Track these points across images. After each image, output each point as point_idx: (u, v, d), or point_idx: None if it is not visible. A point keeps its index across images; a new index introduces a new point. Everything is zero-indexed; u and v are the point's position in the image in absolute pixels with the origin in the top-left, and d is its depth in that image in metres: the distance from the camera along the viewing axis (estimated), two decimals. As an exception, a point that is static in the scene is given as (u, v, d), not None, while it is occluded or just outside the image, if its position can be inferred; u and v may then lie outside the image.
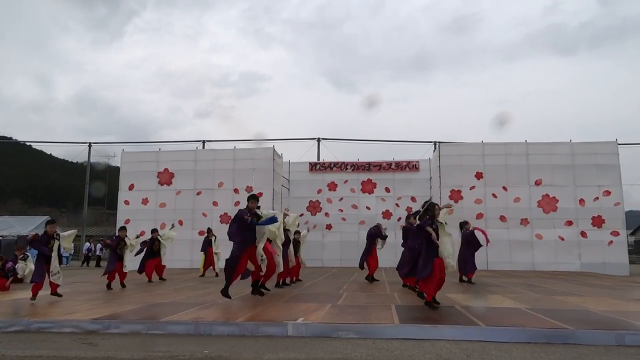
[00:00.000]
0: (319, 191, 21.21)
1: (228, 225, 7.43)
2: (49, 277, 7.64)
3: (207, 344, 4.55)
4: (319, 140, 25.32)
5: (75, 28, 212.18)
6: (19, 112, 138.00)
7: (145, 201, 18.89)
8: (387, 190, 20.90)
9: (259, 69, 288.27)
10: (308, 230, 14.16)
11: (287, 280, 10.07)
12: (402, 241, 9.84)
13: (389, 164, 21.28)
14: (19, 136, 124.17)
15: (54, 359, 4.06)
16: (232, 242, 7.25)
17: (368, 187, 21.06)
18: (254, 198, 7.36)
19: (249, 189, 18.11)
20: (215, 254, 13.91)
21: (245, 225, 7.07)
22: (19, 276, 11.28)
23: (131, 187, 19.13)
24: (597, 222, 17.13)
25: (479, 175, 18.00)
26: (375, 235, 11.12)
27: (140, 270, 11.69)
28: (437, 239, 6.39)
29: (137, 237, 11.42)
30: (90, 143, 28.05)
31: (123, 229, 10.71)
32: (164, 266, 12.33)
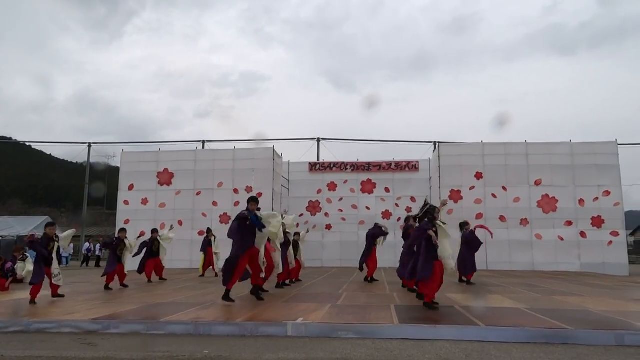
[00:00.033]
0: (319, 191, 21.21)
1: (229, 225, 7.41)
2: (51, 280, 7.65)
3: (207, 344, 4.55)
4: (318, 140, 25.33)
5: (75, 28, 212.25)
6: (19, 112, 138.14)
7: (145, 201, 18.88)
8: (387, 190, 20.90)
9: (258, 69, 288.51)
10: (308, 231, 14.15)
11: (287, 281, 10.08)
12: (401, 241, 9.84)
13: (389, 164, 21.28)
14: (19, 136, 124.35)
15: (54, 359, 4.06)
16: (231, 242, 7.24)
17: (368, 187, 21.06)
18: (254, 200, 7.34)
19: (248, 189, 18.12)
20: (215, 254, 13.91)
21: (245, 226, 7.07)
22: (18, 277, 11.27)
23: (131, 187, 19.13)
24: (597, 222, 17.13)
25: (478, 176, 18.00)
26: (376, 235, 11.12)
27: (140, 271, 11.69)
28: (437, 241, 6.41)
29: (138, 237, 11.41)
30: (89, 143, 28.07)
31: (123, 230, 10.71)
32: (163, 266, 12.33)
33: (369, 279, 10.93)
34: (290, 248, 9.72)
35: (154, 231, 12.39)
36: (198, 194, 18.80)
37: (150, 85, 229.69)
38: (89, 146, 27.91)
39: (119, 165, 20.70)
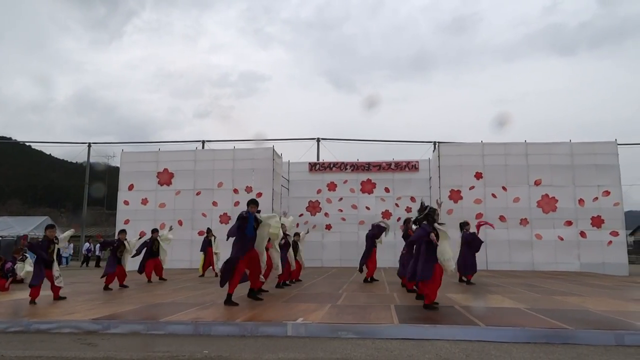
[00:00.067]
0: (319, 191, 21.22)
1: (229, 226, 7.40)
2: (53, 282, 7.65)
3: (207, 344, 4.55)
4: (318, 140, 25.34)
5: (74, 28, 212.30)
6: (19, 112, 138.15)
7: (144, 201, 18.88)
8: (387, 190, 20.91)
9: (258, 69, 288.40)
10: (308, 232, 14.14)
11: (287, 281, 10.08)
12: (401, 241, 9.82)
13: (389, 164, 21.28)
14: (19, 136, 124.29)
15: (54, 359, 4.06)
16: (231, 242, 7.24)
17: (367, 187, 21.07)
18: (254, 202, 7.32)
19: (248, 189, 18.13)
20: (215, 254, 13.91)
21: (245, 228, 7.05)
22: (17, 277, 11.27)
23: (131, 188, 19.13)
24: (597, 222, 17.14)
25: (478, 176, 18.01)
26: (376, 236, 11.11)
27: (140, 270, 11.70)
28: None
29: (139, 238, 11.40)
30: (89, 143, 28.09)
31: (123, 231, 10.71)
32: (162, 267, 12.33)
33: (369, 279, 10.94)
34: (290, 250, 9.73)
35: (154, 231, 12.39)
36: (198, 194, 18.80)
37: (150, 85, 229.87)
38: (89, 146, 27.92)
39: (118, 165, 20.73)
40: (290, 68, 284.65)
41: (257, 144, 23.94)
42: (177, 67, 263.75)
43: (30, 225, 27.19)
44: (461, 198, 17.81)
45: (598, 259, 16.81)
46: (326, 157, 23.91)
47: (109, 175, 30.04)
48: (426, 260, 6.50)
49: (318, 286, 10.24)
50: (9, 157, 49.14)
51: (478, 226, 10.88)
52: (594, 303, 7.15)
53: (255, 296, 7.51)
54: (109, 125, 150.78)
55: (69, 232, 8.72)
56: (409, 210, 19.13)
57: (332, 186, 21.17)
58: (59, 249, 8.05)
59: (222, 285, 6.99)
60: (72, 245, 25.07)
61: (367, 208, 20.63)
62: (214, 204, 18.52)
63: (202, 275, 13.48)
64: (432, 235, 6.40)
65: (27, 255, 11.85)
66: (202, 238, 14.82)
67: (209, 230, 14.41)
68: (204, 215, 18.39)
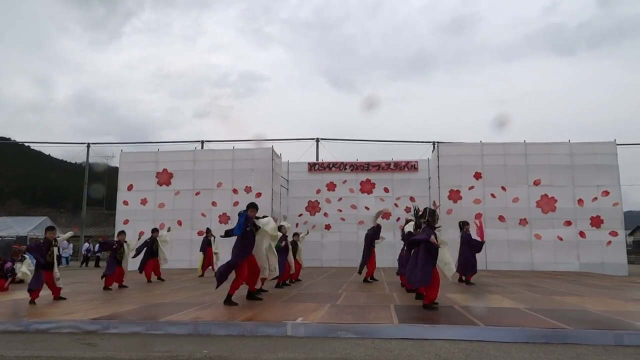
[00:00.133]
0: (318, 191, 21.23)
1: (230, 226, 7.43)
2: (54, 284, 7.66)
3: (206, 344, 4.55)
4: (317, 140, 25.34)
5: (73, 29, 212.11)
6: (18, 112, 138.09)
7: (144, 201, 18.87)
8: (386, 190, 20.91)
9: (257, 69, 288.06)
10: (307, 232, 14.14)
11: (287, 281, 10.08)
12: (400, 241, 9.82)
13: (388, 164, 21.29)
14: (18, 137, 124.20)
15: (53, 359, 4.06)
16: (230, 241, 7.25)
17: (367, 187, 21.07)
18: (253, 206, 7.33)
19: (248, 189, 18.14)
20: (215, 254, 13.92)
21: (245, 231, 7.06)
22: (16, 278, 11.25)
23: (130, 188, 19.12)
24: (596, 222, 17.16)
25: (477, 176, 18.02)
26: (375, 236, 11.11)
27: (140, 270, 11.70)
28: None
29: (139, 239, 11.41)
30: (88, 143, 28.07)
31: (122, 233, 10.71)
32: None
33: (369, 279, 10.94)
34: (290, 252, 9.74)
35: (154, 231, 12.39)
36: (197, 194, 18.79)
37: (149, 85, 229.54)
38: (88, 146, 27.90)
39: (118, 165, 20.71)
40: (290, 68, 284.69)
41: (257, 144, 23.91)
42: (176, 68, 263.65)
43: (29, 226, 27.21)
44: (460, 198, 17.82)
45: (597, 259, 16.82)
46: (325, 157, 23.93)
47: (108, 176, 30.05)
48: (424, 265, 6.49)
49: (317, 286, 10.25)
50: (8, 157, 49.15)
51: (480, 229, 10.72)
52: (593, 303, 7.16)
53: (254, 296, 7.51)
54: (108, 125, 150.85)
55: (69, 234, 8.75)
56: (408, 210, 19.07)
57: (331, 186, 21.17)
58: (59, 249, 8.07)
59: (217, 287, 7.01)
60: (71, 245, 25.07)
61: (367, 208, 20.61)
62: (214, 204, 18.51)
63: (202, 275, 13.48)
64: (433, 237, 6.41)
65: (25, 256, 11.83)
66: (201, 238, 14.83)
67: (208, 230, 14.42)
68: (203, 215, 18.39)
